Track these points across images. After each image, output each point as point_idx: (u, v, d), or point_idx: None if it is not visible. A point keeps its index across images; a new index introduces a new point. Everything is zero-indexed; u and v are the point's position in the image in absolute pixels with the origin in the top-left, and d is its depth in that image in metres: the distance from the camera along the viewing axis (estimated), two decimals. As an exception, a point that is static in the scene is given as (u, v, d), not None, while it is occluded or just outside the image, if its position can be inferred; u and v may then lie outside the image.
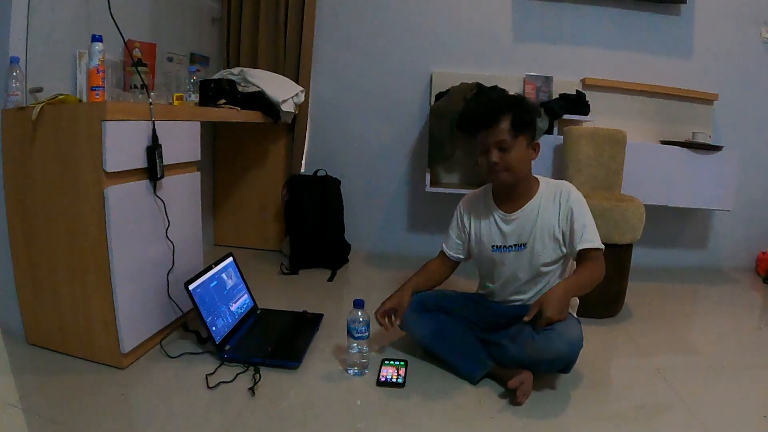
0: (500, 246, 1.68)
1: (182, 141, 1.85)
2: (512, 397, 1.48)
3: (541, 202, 1.63)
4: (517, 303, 1.72)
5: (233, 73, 2.62)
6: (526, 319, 1.48)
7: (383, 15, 3.02)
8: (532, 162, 1.64)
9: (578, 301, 1.72)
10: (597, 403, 1.54)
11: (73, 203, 1.53)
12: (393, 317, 1.70)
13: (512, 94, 1.86)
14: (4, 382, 1.51)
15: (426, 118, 2.99)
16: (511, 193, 1.66)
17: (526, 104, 1.62)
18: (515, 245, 1.66)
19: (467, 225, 1.76)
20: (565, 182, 1.67)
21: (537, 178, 1.69)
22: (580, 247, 1.58)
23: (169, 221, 1.76)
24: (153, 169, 1.65)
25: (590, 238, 1.58)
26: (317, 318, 1.98)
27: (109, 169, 1.48)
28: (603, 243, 1.60)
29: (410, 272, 1.85)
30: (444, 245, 1.82)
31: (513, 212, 1.66)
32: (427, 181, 2.78)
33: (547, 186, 1.66)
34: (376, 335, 1.78)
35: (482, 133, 1.58)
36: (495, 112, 1.56)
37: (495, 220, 1.69)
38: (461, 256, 1.81)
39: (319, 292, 2.44)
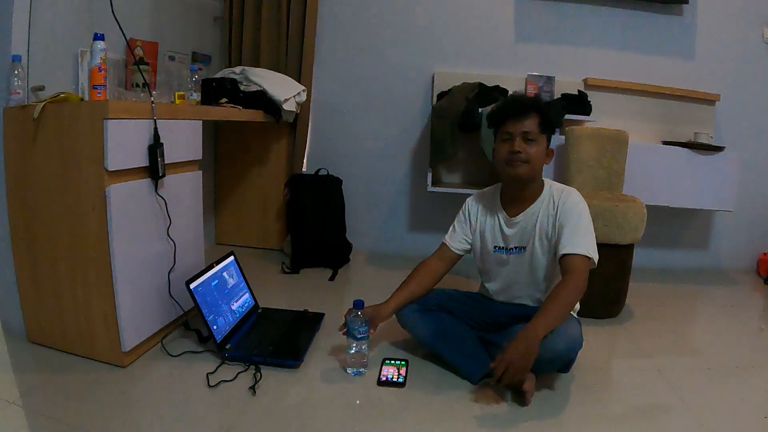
0: (502, 247, 1.69)
1: (184, 140, 1.85)
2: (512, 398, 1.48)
3: (542, 206, 1.63)
4: (518, 304, 1.72)
5: (235, 71, 2.63)
6: (493, 370, 1.38)
7: (385, 14, 3.02)
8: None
9: (579, 306, 1.71)
10: (597, 404, 1.54)
11: (75, 202, 1.53)
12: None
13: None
14: (4, 380, 1.51)
15: (428, 118, 2.99)
16: (518, 194, 1.66)
17: (553, 112, 1.66)
18: (516, 248, 1.66)
19: (473, 221, 1.75)
20: (569, 188, 1.65)
21: (544, 182, 1.68)
22: (562, 251, 1.53)
23: (170, 220, 1.76)
24: (154, 168, 1.65)
25: (574, 243, 1.51)
26: (318, 317, 1.98)
27: (110, 168, 1.48)
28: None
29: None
30: (447, 238, 1.80)
31: (516, 216, 1.66)
32: (429, 181, 2.78)
33: (551, 189, 1.65)
34: (376, 335, 1.78)
35: (510, 122, 1.59)
36: (527, 107, 1.59)
37: (499, 222, 1.69)
38: (464, 250, 1.79)
39: (320, 291, 2.45)
